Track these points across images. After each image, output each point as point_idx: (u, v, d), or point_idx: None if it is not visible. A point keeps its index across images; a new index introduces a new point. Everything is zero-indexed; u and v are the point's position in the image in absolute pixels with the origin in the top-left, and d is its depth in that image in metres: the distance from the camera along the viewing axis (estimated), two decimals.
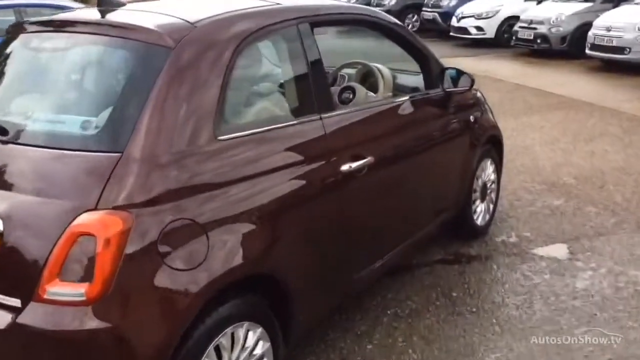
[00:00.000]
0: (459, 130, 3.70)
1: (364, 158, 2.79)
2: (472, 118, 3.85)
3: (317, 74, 2.71)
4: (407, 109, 3.29)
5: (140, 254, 1.96)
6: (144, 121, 2.08)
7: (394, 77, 3.74)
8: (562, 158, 5.94)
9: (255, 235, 2.27)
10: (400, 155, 3.15)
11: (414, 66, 3.68)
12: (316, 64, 2.71)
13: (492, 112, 4.25)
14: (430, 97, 3.49)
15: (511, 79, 10.27)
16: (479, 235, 4.20)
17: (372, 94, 3.46)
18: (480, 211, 4.16)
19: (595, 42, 10.82)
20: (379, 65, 3.70)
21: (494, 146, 4.21)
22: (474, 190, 4.02)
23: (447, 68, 3.59)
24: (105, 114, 2.17)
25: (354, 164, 2.72)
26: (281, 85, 2.73)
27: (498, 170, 4.35)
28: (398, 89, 3.71)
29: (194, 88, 2.21)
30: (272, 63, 2.73)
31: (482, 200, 4.18)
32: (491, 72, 11.03)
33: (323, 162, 2.61)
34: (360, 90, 3.44)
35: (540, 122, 7.35)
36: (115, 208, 1.95)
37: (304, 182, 2.50)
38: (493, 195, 4.32)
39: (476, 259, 3.91)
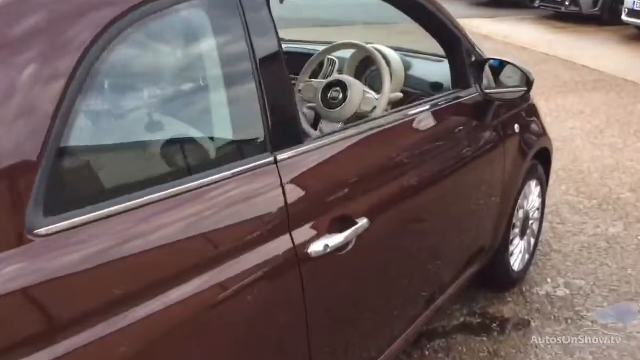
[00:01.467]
0: (499, 149, 2.50)
1: (352, 223, 1.62)
2: (516, 127, 2.65)
3: (272, 78, 1.51)
4: (425, 123, 2.08)
5: None
6: None
7: (407, 67, 2.54)
8: (611, 159, 4.73)
9: None
10: (413, 203, 1.97)
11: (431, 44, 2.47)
12: (271, 60, 1.51)
13: (539, 113, 3.04)
14: (461, 104, 2.28)
15: (538, 48, 8.97)
16: (515, 284, 3.05)
17: (372, 93, 2.27)
18: (518, 252, 3.00)
19: (635, 8, 9.45)
20: (385, 49, 2.49)
21: (541, 161, 3.02)
22: (512, 225, 2.85)
23: (490, 59, 2.37)
24: None
25: (334, 240, 1.54)
26: (198, 104, 1.51)
27: (543, 192, 3.17)
28: (412, 86, 2.51)
29: None
30: (183, 62, 1.50)
31: (522, 236, 3.01)
32: (514, 38, 9.74)
33: (273, 245, 1.43)
34: (356, 87, 2.25)
35: (578, 106, 6.12)
36: None
37: (228, 297, 1.33)
38: (535, 227, 3.15)
39: (512, 327, 2.76)
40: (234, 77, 1.47)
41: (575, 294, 3.00)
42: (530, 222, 3.06)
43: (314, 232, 1.52)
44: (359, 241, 1.63)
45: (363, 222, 1.64)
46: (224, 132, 1.47)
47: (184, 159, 1.40)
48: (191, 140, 1.43)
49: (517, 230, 2.92)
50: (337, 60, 2.64)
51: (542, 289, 3.05)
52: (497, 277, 2.93)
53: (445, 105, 2.18)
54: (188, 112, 1.45)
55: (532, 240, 3.14)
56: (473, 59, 2.34)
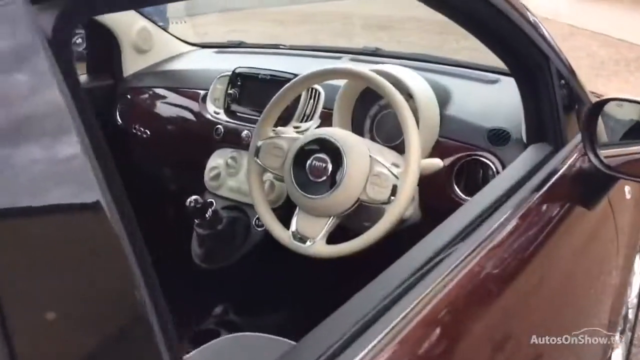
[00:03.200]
0: (610, 238, 1.43)
1: None
2: (627, 191, 1.58)
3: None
4: (504, 245, 1.01)
5: None
6: None
7: (442, 101, 1.46)
8: None
9: None
10: None
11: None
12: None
13: None
14: (559, 185, 1.18)
15: (562, 18, 7.84)
16: None
17: (386, 161, 1.21)
18: None
19: None
20: (400, 71, 1.42)
21: None
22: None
23: (608, 100, 1.27)
24: None
25: None
26: None
27: None
28: (451, 135, 1.44)
29: None
30: None
31: (621, 338, 1.97)
32: (530, 6, 8.55)
33: None
34: (355, 153, 1.20)
35: (624, 92, 5.01)
36: None
37: None
38: (632, 314, 2.10)
39: None
40: None
41: None
42: (629, 310, 2.02)
43: None
44: None
45: None
46: None
47: None
48: None
49: (617, 337, 1.87)
50: (321, 91, 1.56)
51: None
52: None
53: (536, 202, 1.08)
54: None
55: (629, 335, 2.10)
56: (569, 94, 1.26)
